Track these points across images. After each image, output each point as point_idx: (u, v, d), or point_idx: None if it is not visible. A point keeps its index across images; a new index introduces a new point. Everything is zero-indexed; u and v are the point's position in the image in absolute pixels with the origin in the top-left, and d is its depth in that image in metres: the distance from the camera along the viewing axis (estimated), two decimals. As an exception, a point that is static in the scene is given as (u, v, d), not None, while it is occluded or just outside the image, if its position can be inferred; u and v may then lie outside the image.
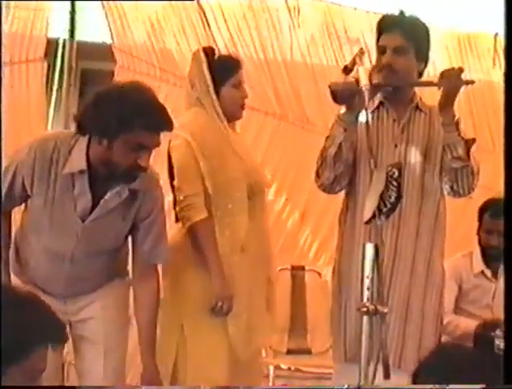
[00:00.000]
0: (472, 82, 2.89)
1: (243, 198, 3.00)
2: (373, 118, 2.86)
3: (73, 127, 2.74)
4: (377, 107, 2.96)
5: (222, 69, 3.05)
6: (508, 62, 2.15)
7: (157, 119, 2.55)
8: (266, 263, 3.13)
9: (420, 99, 3.01)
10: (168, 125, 2.59)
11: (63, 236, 2.68)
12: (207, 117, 3.05)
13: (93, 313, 2.80)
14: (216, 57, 3.11)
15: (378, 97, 2.95)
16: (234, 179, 3.01)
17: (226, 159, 3.02)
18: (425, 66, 2.98)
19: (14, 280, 2.77)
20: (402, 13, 3.02)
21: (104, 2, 4.29)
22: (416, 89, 3.03)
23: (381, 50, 2.90)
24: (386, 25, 2.94)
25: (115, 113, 2.50)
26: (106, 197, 2.61)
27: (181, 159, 3.00)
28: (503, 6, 2.20)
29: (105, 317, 2.80)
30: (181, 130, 2.98)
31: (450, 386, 1.63)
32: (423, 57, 2.95)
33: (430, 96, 2.99)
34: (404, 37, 2.88)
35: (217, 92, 3.03)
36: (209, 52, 3.11)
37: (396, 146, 2.94)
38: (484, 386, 1.69)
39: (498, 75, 5.40)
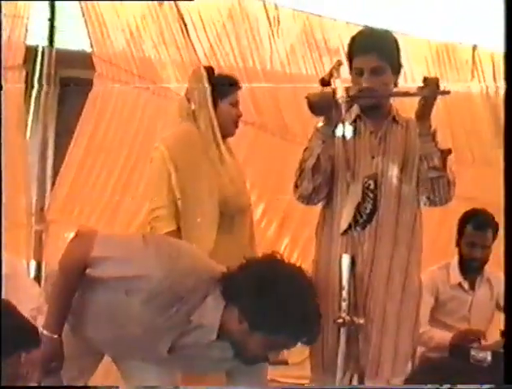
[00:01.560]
0: (448, 92, 2.91)
1: (213, 213, 3.03)
2: (350, 131, 2.87)
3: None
4: (355, 120, 2.97)
5: (222, 86, 3.15)
6: (508, 77, 2.15)
7: None
8: None
9: (397, 111, 3.02)
10: None
11: None
12: (192, 132, 3.10)
13: None
14: (216, 74, 3.21)
15: (355, 110, 2.96)
16: (205, 193, 3.04)
17: (200, 173, 3.05)
18: (399, 76, 3.00)
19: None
20: (374, 30, 3.04)
21: (84, 10, 4.27)
22: (393, 102, 3.04)
23: (358, 72, 2.90)
24: (360, 46, 2.93)
25: None
26: None
27: (154, 171, 3.08)
28: (503, 21, 2.21)
29: None
30: (161, 143, 3.08)
31: (459, 386, 1.63)
32: (397, 69, 2.97)
33: (411, 109, 3.00)
34: (380, 57, 2.87)
35: (215, 107, 3.11)
36: (209, 70, 3.21)
37: (373, 158, 2.95)
38: (492, 386, 1.70)
39: (477, 87, 5.45)
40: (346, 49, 3.01)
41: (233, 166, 3.19)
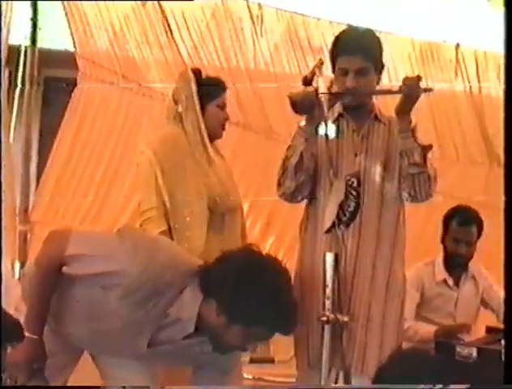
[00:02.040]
0: (430, 89, 2.92)
1: (203, 213, 3.04)
2: (333, 129, 2.88)
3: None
4: (337, 118, 2.98)
5: (209, 88, 3.16)
6: (507, 77, 2.16)
7: None
8: None
9: (379, 110, 3.03)
10: None
11: None
12: (178, 134, 3.12)
13: None
14: (204, 76, 3.20)
15: (338, 108, 2.97)
16: (193, 194, 3.06)
17: (186, 175, 3.07)
18: (381, 74, 3.01)
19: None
20: (358, 30, 3.05)
21: (67, 9, 4.26)
22: (376, 100, 3.05)
23: (343, 72, 2.89)
24: (344, 47, 2.92)
25: None
26: None
27: (142, 174, 3.11)
28: (503, 24, 2.22)
29: None
30: (147, 147, 3.11)
31: (451, 386, 1.63)
32: (380, 69, 2.99)
33: (392, 106, 3.01)
34: (365, 59, 2.86)
35: (202, 110, 3.12)
36: (196, 72, 3.20)
37: (356, 155, 2.95)
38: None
39: (461, 86, 5.47)
40: (329, 47, 3.01)
41: (222, 167, 3.20)
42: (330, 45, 3.02)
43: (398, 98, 2.88)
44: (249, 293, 2.26)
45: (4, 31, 4.18)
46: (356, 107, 2.95)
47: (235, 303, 2.27)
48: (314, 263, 2.90)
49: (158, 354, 2.43)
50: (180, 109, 3.13)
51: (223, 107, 3.19)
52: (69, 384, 2.61)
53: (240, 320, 2.29)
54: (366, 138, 2.96)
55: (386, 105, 3.12)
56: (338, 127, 2.93)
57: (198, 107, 3.11)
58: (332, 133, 2.83)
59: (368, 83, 2.91)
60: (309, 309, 2.95)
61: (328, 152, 2.67)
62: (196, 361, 2.50)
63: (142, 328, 2.34)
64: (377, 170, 2.93)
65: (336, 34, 3.06)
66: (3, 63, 3.86)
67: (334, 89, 2.80)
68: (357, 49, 2.89)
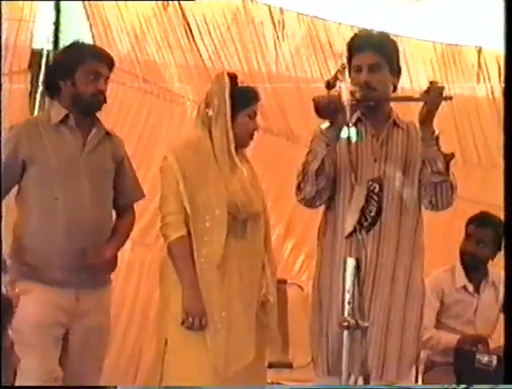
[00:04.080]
0: (450, 97, 2.92)
1: (222, 218, 3.04)
2: (354, 134, 2.88)
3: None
4: (355, 123, 2.98)
5: (242, 97, 3.13)
6: (508, 78, 2.16)
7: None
8: (254, 283, 3.14)
9: (397, 115, 3.03)
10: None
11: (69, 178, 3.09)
12: (204, 139, 3.12)
13: None
14: (239, 85, 3.18)
15: (356, 114, 2.97)
16: (213, 200, 3.06)
17: (207, 180, 3.07)
18: (398, 79, 3.01)
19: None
20: (371, 31, 3.08)
21: (89, 13, 4.28)
22: (393, 106, 3.05)
23: (357, 69, 2.93)
24: (357, 45, 2.98)
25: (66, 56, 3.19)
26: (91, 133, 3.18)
27: (163, 180, 3.12)
28: (503, 23, 2.21)
29: None
30: (170, 152, 3.12)
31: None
32: (396, 70, 3.00)
33: (411, 113, 3.01)
34: (377, 55, 2.92)
35: (232, 117, 3.11)
36: (233, 77, 3.18)
37: (375, 161, 2.95)
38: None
39: (482, 90, 5.44)
40: (345, 53, 3.03)
41: (248, 174, 3.18)
42: (345, 49, 3.04)
43: (416, 104, 2.88)
44: None
45: (27, 35, 4.22)
46: (373, 111, 2.95)
47: None
48: (333, 269, 2.90)
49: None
50: (210, 113, 3.12)
51: (253, 116, 3.17)
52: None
53: None
54: (385, 144, 2.96)
55: (404, 110, 3.12)
56: (357, 132, 2.93)
57: (228, 113, 3.09)
58: (354, 138, 2.82)
59: (382, 79, 2.92)
60: (328, 314, 2.95)
61: (349, 157, 2.67)
62: None
63: None
64: (397, 176, 2.93)
65: (350, 36, 3.09)
66: (3, 62, 3.88)
67: (356, 92, 2.81)
68: (368, 45, 2.93)
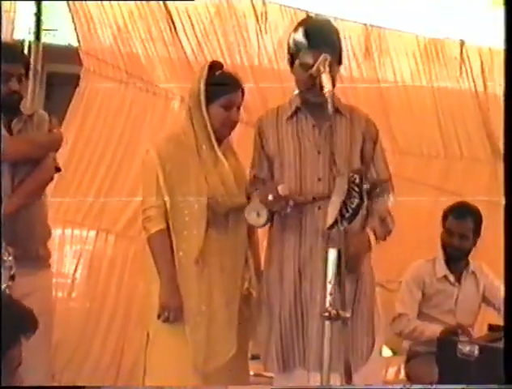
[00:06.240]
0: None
1: (202, 212, 3.04)
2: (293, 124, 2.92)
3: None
4: (295, 112, 2.99)
5: (215, 87, 3.08)
6: (507, 75, 2.17)
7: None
8: (237, 277, 3.14)
9: (339, 101, 3.00)
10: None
11: None
12: (185, 132, 3.11)
13: None
14: (217, 73, 3.12)
15: (295, 102, 2.98)
16: (193, 193, 3.06)
17: (188, 174, 3.07)
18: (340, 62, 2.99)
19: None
20: (316, 23, 3.11)
21: (71, 5, 4.25)
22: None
23: (307, 67, 2.86)
24: (309, 42, 2.90)
25: None
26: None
27: (144, 174, 3.15)
28: (503, 20, 2.22)
29: None
30: (152, 146, 3.13)
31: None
32: (340, 59, 2.97)
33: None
34: (329, 52, 2.79)
35: (207, 108, 3.08)
36: (217, 66, 3.15)
37: (319, 152, 2.96)
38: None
39: (465, 83, 5.45)
40: (290, 40, 2.98)
41: (232, 167, 3.15)
42: (290, 38, 3.00)
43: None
44: None
45: (9, 26, 4.18)
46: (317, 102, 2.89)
47: None
48: (283, 263, 2.96)
49: None
50: (190, 104, 3.12)
51: (229, 107, 3.09)
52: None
53: None
54: (329, 136, 2.86)
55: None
56: (297, 122, 2.95)
57: (203, 104, 3.07)
58: (292, 128, 2.86)
59: (333, 74, 2.84)
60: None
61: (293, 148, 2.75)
62: None
63: None
64: (343, 166, 2.89)
65: (295, 26, 3.03)
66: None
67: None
68: (320, 43, 2.86)
